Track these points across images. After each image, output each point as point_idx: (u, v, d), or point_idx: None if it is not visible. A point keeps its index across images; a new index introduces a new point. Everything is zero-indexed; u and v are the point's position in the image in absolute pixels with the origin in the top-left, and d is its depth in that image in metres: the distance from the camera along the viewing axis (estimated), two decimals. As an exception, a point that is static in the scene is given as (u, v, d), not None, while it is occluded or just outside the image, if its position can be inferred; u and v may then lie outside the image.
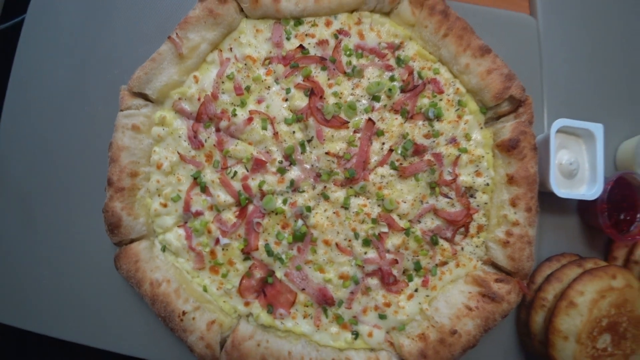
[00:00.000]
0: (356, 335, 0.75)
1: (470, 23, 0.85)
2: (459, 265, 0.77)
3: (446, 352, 0.72)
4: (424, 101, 0.78)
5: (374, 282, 0.75)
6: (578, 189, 0.81)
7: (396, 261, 0.75)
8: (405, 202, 0.76)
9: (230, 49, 0.78)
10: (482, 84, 0.76)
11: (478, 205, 0.78)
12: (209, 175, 0.76)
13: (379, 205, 0.76)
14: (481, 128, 0.79)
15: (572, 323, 0.72)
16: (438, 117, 0.78)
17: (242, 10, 0.79)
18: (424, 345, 0.73)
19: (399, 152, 0.76)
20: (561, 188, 0.79)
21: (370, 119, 0.76)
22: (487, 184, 0.77)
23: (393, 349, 0.75)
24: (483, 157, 0.78)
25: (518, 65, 0.86)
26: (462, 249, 0.77)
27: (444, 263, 0.77)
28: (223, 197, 0.75)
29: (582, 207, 0.86)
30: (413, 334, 0.74)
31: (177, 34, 0.76)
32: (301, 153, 0.76)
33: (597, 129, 0.80)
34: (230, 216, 0.75)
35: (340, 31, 0.79)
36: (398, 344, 0.74)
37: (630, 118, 0.89)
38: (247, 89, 0.77)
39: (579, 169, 0.80)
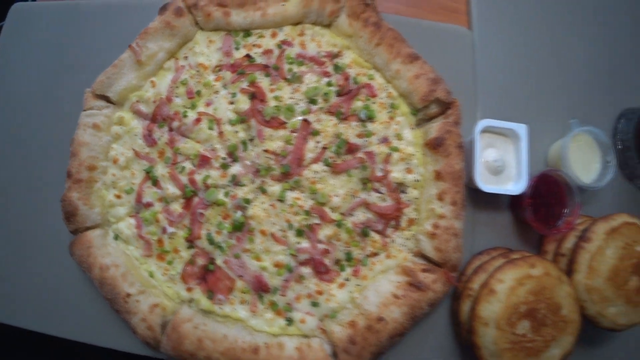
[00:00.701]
0: (290, 321, 0.79)
1: (410, 35, 0.92)
2: (389, 256, 0.81)
3: (374, 338, 0.76)
4: (358, 104, 0.83)
5: (307, 270, 0.79)
6: (505, 185, 0.85)
7: (327, 251, 0.79)
8: (337, 196, 0.80)
9: (186, 57, 0.87)
10: (411, 87, 0.83)
11: (409, 200, 0.82)
12: (160, 170, 0.83)
13: (312, 199, 0.80)
14: (412, 129, 0.84)
15: (491, 310, 0.74)
16: (371, 118, 0.83)
17: (197, 22, 0.89)
18: (353, 331, 0.76)
19: (333, 150, 0.82)
20: (488, 184, 0.84)
21: (305, 120, 0.82)
22: (417, 180, 0.82)
23: (325, 335, 0.79)
24: (413, 155, 0.83)
25: (454, 73, 0.93)
26: (393, 241, 0.81)
27: (375, 254, 0.80)
28: (171, 189, 0.82)
29: (514, 204, 0.89)
30: (344, 321, 0.78)
31: (137, 43, 0.85)
32: (243, 151, 0.82)
33: (521, 129, 0.85)
34: (177, 207, 0.82)
35: (284, 42, 0.87)
36: (330, 331, 0.77)
37: (560, 122, 0.93)
38: (198, 93, 0.85)
39: (505, 167, 0.85)
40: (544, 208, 0.87)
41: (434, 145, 0.80)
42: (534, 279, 0.75)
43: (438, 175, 0.79)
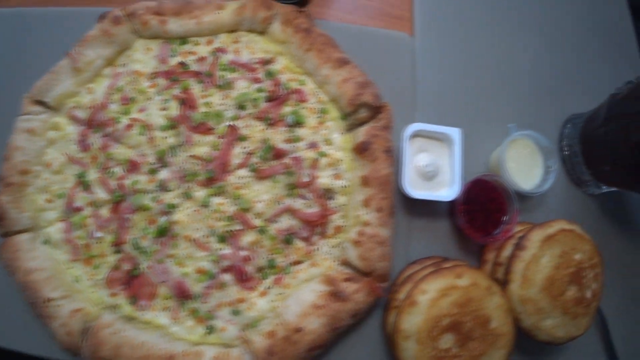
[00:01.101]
0: (211, 329, 0.72)
1: (352, 42, 0.87)
2: (314, 264, 0.74)
3: (291, 349, 0.68)
4: (287, 109, 0.79)
5: (228, 278, 0.73)
6: (438, 191, 0.78)
7: (249, 258, 0.73)
8: (261, 202, 0.74)
9: (124, 64, 0.83)
10: (339, 92, 0.77)
11: (336, 207, 0.75)
12: (92, 175, 0.78)
13: (236, 205, 0.75)
14: (342, 134, 0.78)
15: (413, 322, 0.66)
16: (299, 123, 0.78)
17: (136, 30, 0.85)
18: (272, 342, 0.69)
19: (259, 155, 0.76)
20: (419, 190, 0.77)
21: (231, 125, 0.77)
22: (345, 186, 0.76)
23: (246, 345, 0.71)
24: (342, 160, 0.77)
25: (395, 78, 0.88)
26: (318, 249, 0.74)
27: (299, 262, 0.74)
28: (101, 194, 0.77)
29: (452, 211, 0.82)
30: (264, 331, 0.71)
31: (75, 50, 0.82)
32: (172, 156, 0.77)
33: (455, 132, 0.78)
34: (105, 212, 0.77)
35: (218, 49, 0.82)
36: (250, 341, 0.70)
37: (504, 128, 0.86)
38: (132, 99, 0.81)
39: (438, 172, 0.77)
40: (481, 215, 0.79)
41: (360, 150, 0.73)
42: (460, 289, 0.67)
43: (364, 181, 0.73)
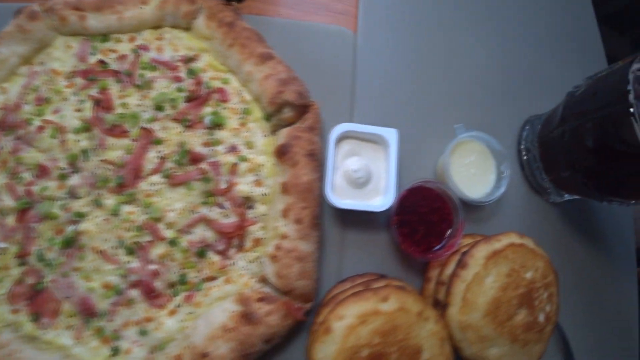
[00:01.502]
0: (116, 351, 0.61)
1: (293, 37, 0.77)
2: (229, 281, 0.63)
3: None
4: (207, 110, 0.68)
5: (136, 294, 0.62)
6: (371, 200, 0.65)
7: (158, 273, 0.62)
8: (173, 211, 0.64)
9: (42, 62, 0.73)
10: (261, 89, 0.65)
11: (256, 217, 0.64)
12: (0, 181, 0.69)
13: (146, 214, 0.65)
14: (265, 136, 0.67)
15: (326, 352, 0.54)
16: (219, 125, 0.67)
17: (55, 27, 0.75)
18: None
19: (174, 160, 0.65)
20: (349, 199, 0.64)
21: (145, 128, 0.66)
22: (265, 194, 0.64)
23: None
24: (263, 165, 0.65)
25: (334, 76, 0.76)
26: (234, 263, 0.63)
27: (213, 278, 0.63)
28: (7, 201, 0.67)
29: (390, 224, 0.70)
30: (171, 355, 0.60)
31: (-12, 48, 0.73)
32: (84, 161, 0.67)
33: (390, 134, 0.65)
34: (10, 221, 0.67)
35: (140, 46, 0.72)
36: None
37: (451, 131, 0.73)
38: (47, 100, 0.71)
39: (371, 179, 0.65)
40: (423, 227, 0.66)
41: (280, 154, 0.62)
42: (383, 315, 0.54)
43: (284, 188, 0.61)
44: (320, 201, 0.64)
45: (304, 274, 0.60)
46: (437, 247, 0.65)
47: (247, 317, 0.58)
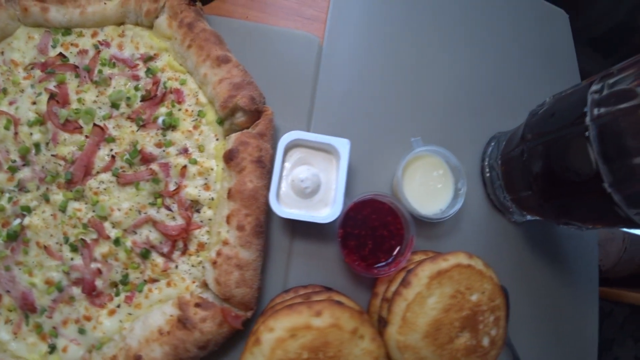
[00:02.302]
0: (53, 348, 0.61)
1: (257, 41, 0.75)
2: (170, 284, 0.62)
3: None
4: (162, 110, 0.67)
5: (78, 292, 0.62)
6: (319, 211, 0.63)
7: (100, 271, 0.62)
8: (120, 210, 0.63)
9: (2, 52, 0.73)
10: (214, 93, 0.64)
11: (202, 221, 0.63)
12: (-50, 170, 0.69)
13: (94, 211, 0.64)
14: (217, 140, 0.66)
15: (253, 365, 0.53)
16: (173, 126, 0.66)
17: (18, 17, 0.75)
18: None
19: (125, 159, 0.65)
20: (295, 208, 0.63)
21: (98, 125, 0.65)
22: (212, 199, 0.63)
23: None
24: (212, 169, 0.64)
25: (296, 83, 0.74)
26: (177, 267, 0.62)
27: (154, 280, 0.62)
28: (-43, 193, 0.67)
29: None
30: (107, 355, 0.59)
31: (-53, 37, 0.72)
32: (35, 154, 0.67)
33: (341, 144, 0.63)
34: (-42, 212, 0.67)
35: (101, 42, 0.71)
36: None
37: (406, 146, 0.71)
38: (4, 90, 0.70)
39: (319, 189, 0.63)
40: (372, 241, 0.64)
41: (227, 159, 0.61)
42: (315, 331, 0.53)
43: (229, 194, 0.60)
44: (266, 209, 0.62)
45: (244, 282, 0.59)
46: (384, 263, 0.64)
47: (182, 322, 0.57)
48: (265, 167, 0.61)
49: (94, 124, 0.65)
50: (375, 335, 0.56)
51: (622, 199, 0.52)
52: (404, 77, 0.78)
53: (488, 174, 0.75)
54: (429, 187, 0.68)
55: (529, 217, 0.74)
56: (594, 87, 0.55)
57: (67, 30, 0.73)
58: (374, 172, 0.72)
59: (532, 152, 0.62)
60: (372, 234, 0.65)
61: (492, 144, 0.76)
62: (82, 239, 0.62)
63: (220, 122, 0.66)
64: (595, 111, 0.52)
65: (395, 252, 0.64)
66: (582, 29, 0.87)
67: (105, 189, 0.64)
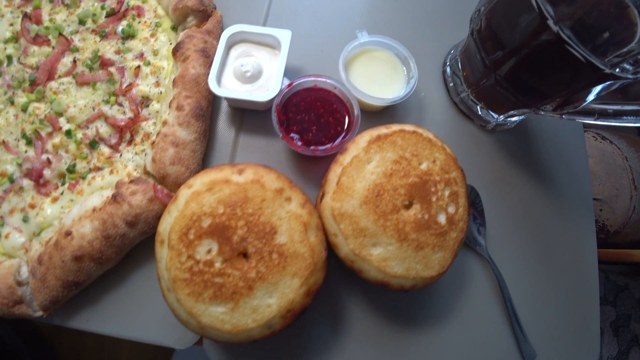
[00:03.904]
0: (-4, 236, 0.60)
1: None
2: (113, 171, 0.61)
3: (57, 256, 0.54)
4: (123, 23, 0.71)
5: (28, 182, 0.62)
6: (259, 94, 0.61)
7: (50, 162, 0.62)
8: (75, 107, 0.65)
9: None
10: (168, 0, 0.68)
11: (149, 114, 0.64)
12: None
13: (52, 108, 0.66)
14: (171, 44, 0.68)
15: (168, 221, 0.48)
16: (132, 36, 0.70)
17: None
18: (44, 249, 0.55)
19: (86, 64, 0.68)
20: (233, 92, 0.61)
21: (63, 36, 0.71)
22: (161, 92, 0.64)
23: (27, 255, 0.58)
24: (164, 68, 0.66)
25: None
26: (121, 155, 0.62)
27: (99, 169, 0.62)
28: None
29: None
30: (44, 239, 0.58)
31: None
32: (7, 66, 0.72)
33: (282, 34, 0.63)
34: None
35: (78, -30, 0.80)
36: (30, 250, 0.57)
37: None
38: (-12, 18, 0.79)
39: (260, 76, 0.62)
40: (316, 127, 0.61)
41: (174, 51, 0.62)
42: (234, 185, 0.49)
43: (174, 82, 0.61)
44: (209, 97, 0.62)
45: (179, 160, 0.57)
46: (328, 145, 0.59)
47: (114, 196, 0.55)
48: (209, 57, 0.63)
49: (60, 34, 0.71)
50: (307, 203, 0.51)
51: (571, 33, 0.47)
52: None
53: (450, 77, 0.70)
54: (376, 80, 0.65)
55: (497, 118, 0.67)
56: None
57: (48, -37, 0.83)
58: (323, 67, 0.70)
59: (482, 27, 0.58)
60: (317, 120, 0.62)
61: (452, 50, 0.72)
62: (36, 132, 0.65)
63: (174, 28, 0.69)
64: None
65: (340, 138, 0.60)
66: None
67: (64, 90, 0.68)
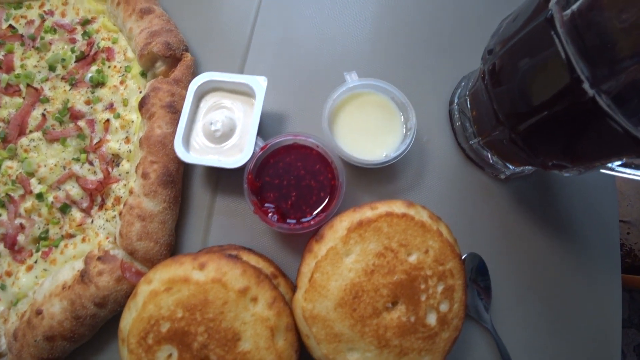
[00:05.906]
0: (-23, 305, 0.61)
1: None
2: (85, 239, 0.58)
3: (30, 335, 0.53)
4: (92, 69, 0.66)
5: (2, 247, 0.61)
6: (232, 158, 0.55)
7: (22, 227, 0.60)
8: (45, 166, 0.62)
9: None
10: (135, 45, 0.61)
11: (120, 174, 0.59)
12: None
13: (23, 169, 0.64)
14: (140, 92, 0.62)
15: (128, 320, 0.45)
16: (102, 83, 0.65)
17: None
18: (19, 325, 0.55)
19: (55, 117, 0.64)
20: (207, 155, 0.55)
21: (31, 86, 0.66)
22: (130, 150, 0.59)
23: (5, 326, 0.58)
24: (133, 121, 0.60)
25: (234, 31, 0.69)
26: (93, 221, 0.59)
27: (71, 236, 0.59)
28: None
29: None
30: (20, 311, 0.57)
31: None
32: (-20, 121, 0.70)
33: (255, 82, 0.55)
34: None
35: (47, 12, 0.74)
36: (8, 321, 0.57)
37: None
38: (-36, 65, 0.76)
39: (232, 134, 0.55)
40: (296, 193, 0.54)
41: (140, 106, 0.56)
42: (194, 285, 0.44)
43: (140, 143, 0.55)
44: (179, 159, 0.56)
45: (147, 235, 0.53)
46: (309, 218, 0.53)
47: (82, 275, 0.53)
48: (176, 113, 0.56)
49: (28, 85, 0.67)
50: (276, 301, 0.45)
51: (612, 102, 0.36)
52: (365, 14, 0.68)
53: (457, 117, 0.60)
54: (369, 130, 0.56)
55: (512, 169, 0.57)
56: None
57: (18, 4, 0.77)
58: (308, 119, 0.62)
59: (496, 70, 0.47)
60: (297, 184, 0.55)
61: (462, 84, 0.61)
62: (9, 195, 0.63)
63: (144, 74, 0.63)
64: (559, -7, 0.38)
65: (322, 205, 0.53)
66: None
67: (35, 147, 0.64)
